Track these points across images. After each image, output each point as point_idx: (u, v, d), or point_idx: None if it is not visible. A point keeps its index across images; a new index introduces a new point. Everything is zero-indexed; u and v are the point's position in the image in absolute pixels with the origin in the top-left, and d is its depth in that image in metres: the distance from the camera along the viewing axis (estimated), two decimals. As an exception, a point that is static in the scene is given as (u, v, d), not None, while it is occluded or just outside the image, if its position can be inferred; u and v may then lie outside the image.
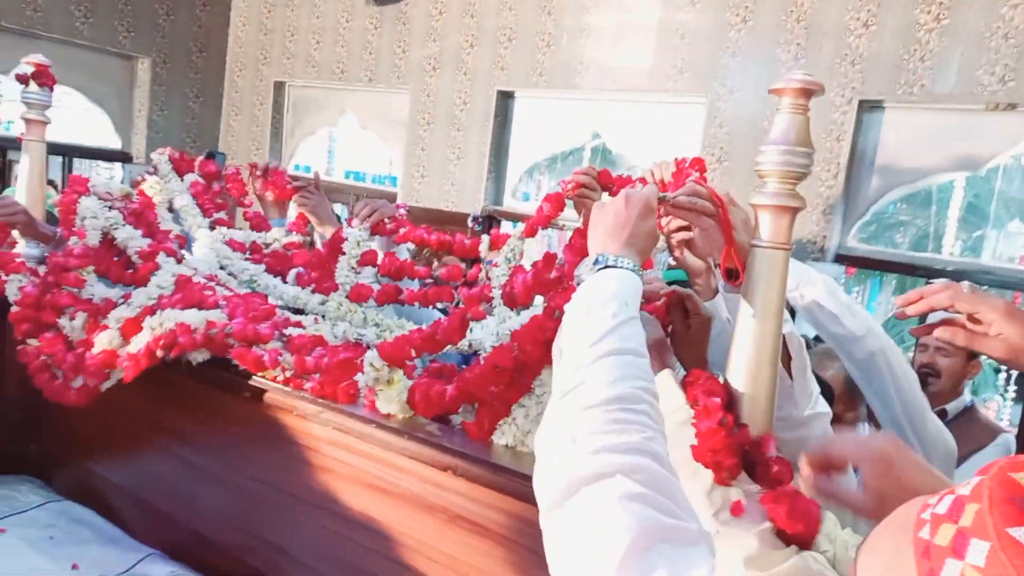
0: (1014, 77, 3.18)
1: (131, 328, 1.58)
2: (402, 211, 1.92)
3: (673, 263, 1.38)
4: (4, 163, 5.45)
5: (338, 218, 2.12)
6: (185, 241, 1.93)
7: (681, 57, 4.07)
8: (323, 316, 1.71)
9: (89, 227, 1.78)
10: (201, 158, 2.22)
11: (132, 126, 5.73)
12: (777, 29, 3.76)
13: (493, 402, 1.22)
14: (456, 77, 4.90)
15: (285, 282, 1.85)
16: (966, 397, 2.29)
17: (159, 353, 1.51)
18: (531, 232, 1.61)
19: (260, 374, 1.46)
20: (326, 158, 6.12)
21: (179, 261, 1.78)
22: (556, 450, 0.73)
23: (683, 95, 4.13)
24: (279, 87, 5.88)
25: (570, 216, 1.61)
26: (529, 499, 0.78)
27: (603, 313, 0.83)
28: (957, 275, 3.44)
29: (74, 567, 1.51)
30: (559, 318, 0.94)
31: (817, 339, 2.17)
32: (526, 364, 1.20)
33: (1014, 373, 4.51)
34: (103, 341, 1.58)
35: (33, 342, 1.69)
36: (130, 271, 1.77)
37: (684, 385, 1.00)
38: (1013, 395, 4.89)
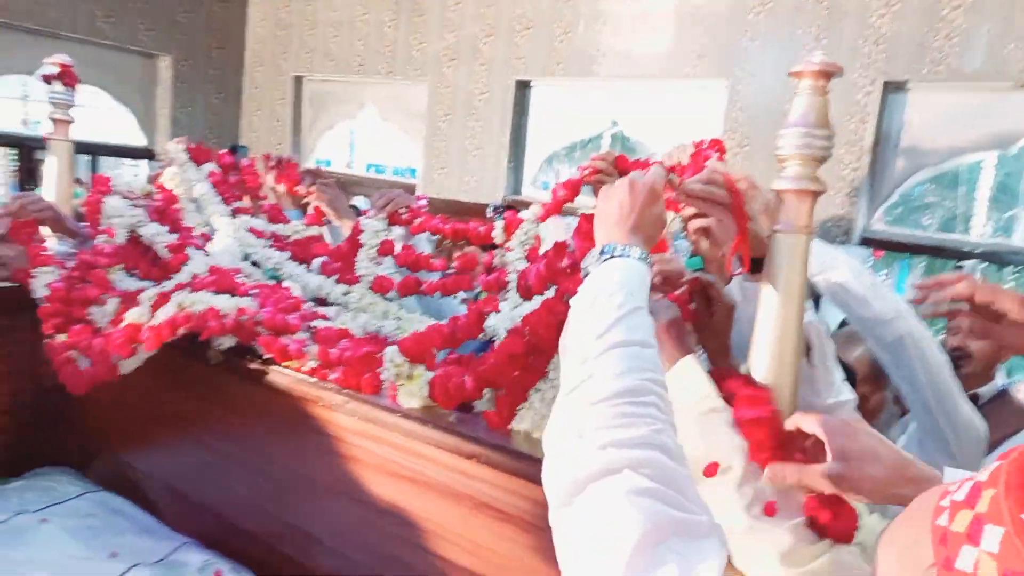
0: (1044, 53, 3.11)
1: (162, 303, 1.60)
2: (422, 203, 1.93)
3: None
4: (33, 163, 5.55)
5: (357, 211, 2.13)
6: (208, 238, 1.96)
7: (700, 42, 4.02)
8: (345, 307, 1.73)
9: (116, 226, 1.82)
10: (224, 152, 2.24)
11: (155, 123, 5.80)
12: (797, 11, 3.70)
13: (512, 389, 1.23)
14: (473, 67, 4.90)
15: (309, 271, 1.87)
16: (999, 381, 2.25)
17: (181, 331, 1.52)
18: (546, 216, 1.60)
19: (286, 365, 1.49)
20: (347, 152, 6.15)
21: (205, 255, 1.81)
22: (564, 446, 0.73)
23: (702, 80, 4.08)
24: (298, 81, 5.91)
25: (589, 203, 1.61)
26: (553, 486, 0.79)
27: (608, 304, 0.82)
28: (987, 256, 3.38)
29: (113, 555, 1.56)
30: (569, 301, 0.93)
31: (843, 324, 2.14)
32: (539, 348, 1.20)
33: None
34: (132, 316, 1.59)
35: (62, 337, 1.73)
36: (156, 268, 1.81)
37: (713, 378, 0.99)
38: (1048, 378, 4.78)
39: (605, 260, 0.89)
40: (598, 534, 0.63)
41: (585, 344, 0.80)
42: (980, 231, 4.29)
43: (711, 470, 0.87)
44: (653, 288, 1.27)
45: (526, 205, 1.74)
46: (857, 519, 0.85)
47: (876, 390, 1.85)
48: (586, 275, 0.91)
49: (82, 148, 4.95)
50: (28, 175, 5.30)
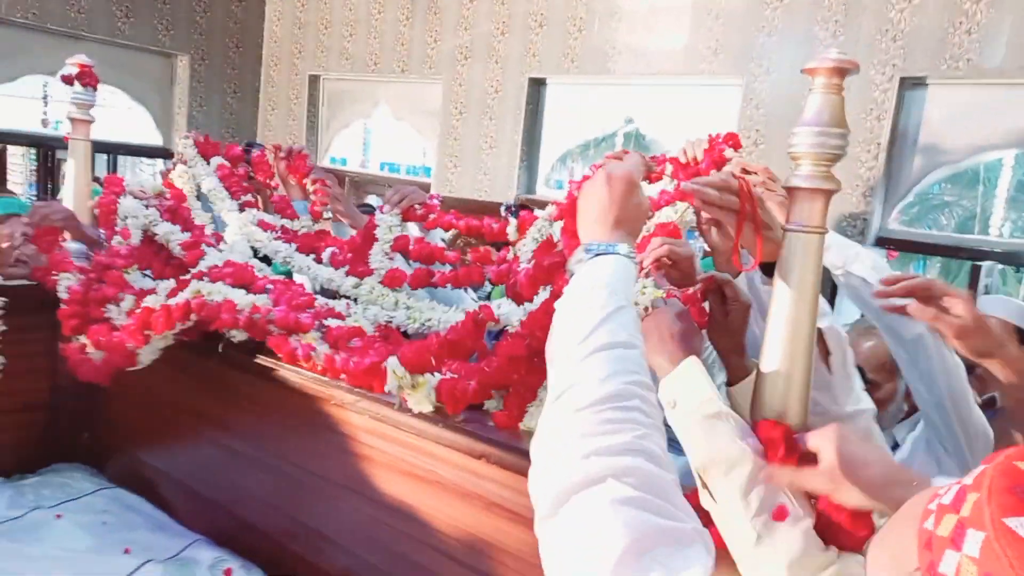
0: (1067, 48, 3.06)
1: (180, 289, 1.61)
2: (435, 201, 1.93)
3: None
4: (52, 162, 5.62)
5: (371, 209, 2.14)
6: (220, 238, 1.97)
7: (716, 38, 3.99)
8: (355, 300, 1.74)
9: (131, 226, 1.83)
10: (232, 143, 2.27)
11: (173, 123, 5.85)
12: (814, 6, 3.66)
13: (519, 389, 1.23)
14: (488, 65, 4.89)
15: (319, 262, 1.88)
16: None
17: (193, 318, 1.53)
18: (561, 216, 1.60)
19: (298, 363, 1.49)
20: (361, 150, 6.17)
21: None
22: (550, 456, 0.72)
23: (718, 77, 4.05)
24: (314, 81, 5.94)
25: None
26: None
27: (591, 306, 0.80)
28: (1005, 257, 3.33)
29: (126, 551, 1.57)
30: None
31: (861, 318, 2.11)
32: (540, 349, 1.19)
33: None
34: (149, 303, 1.60)
35: (81, 339, 1.74)
36: (169, 267, 1.83)
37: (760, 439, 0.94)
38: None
39: (589, 259, 0.86)
40: (582, 546, 0.63)
41: (569, 349, 0.79)
42: (998, 231, 4.22)
43: (780, 514, 0.84)
44: (666, 276, 1.26)
45: (540, 204, 1.73)
46: (874, 524, 0.84)
47: (889, 379, 1.82)
48: (571, 276, 0.88)
49: (100, 147, 5.00)
50: (47, 174, 5.36)
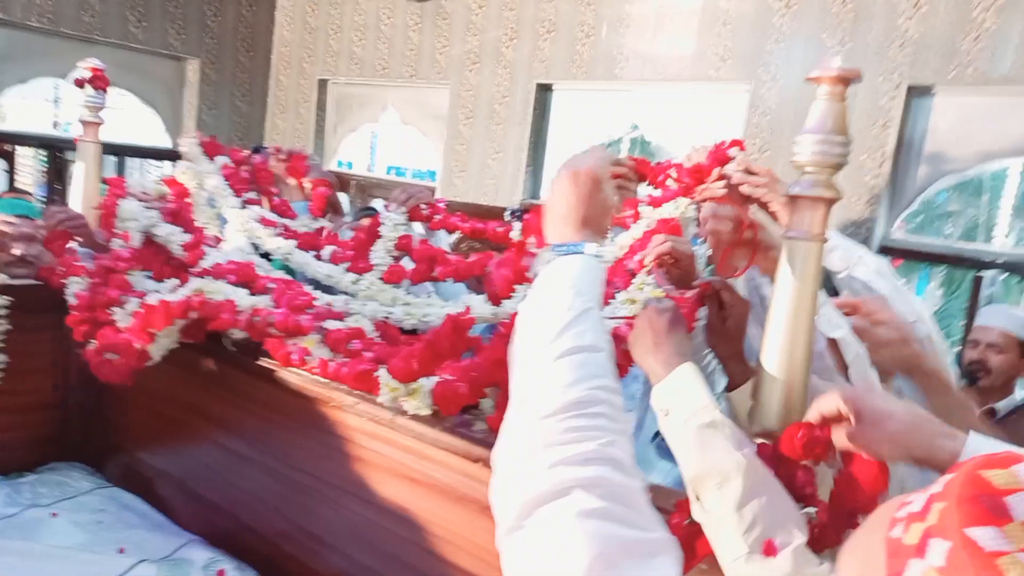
0: (1077, 57, 3.03)
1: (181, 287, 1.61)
2: (440, 206, 1.94)
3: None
4: (62, 163, 5.66)
5: (373, 212, 2.15)
6: (220, 242, 1.98)
7: (724, 44, 3.99)
8: (353, 296, 1.74)
9: (131, 229, 1.84)
10: (236, 148, 2.28)
11: (182, 126, 5.89)
12: (823, 13, 3.65)
13: (509, 390, 1.23)
14: (496, 71, 4.90)
15: (319, 259, 1.89)
16: (1018, 395, 2.20)
17: (193, 315, 1.53)
18: None
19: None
20: (368, 154, 6.19)
21: (219, 255, 1.83)
22: (514, 465, 0.70)
23: (726, 83, 4.04)
24: (322, 85, 5.96)
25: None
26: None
27: (556, 309, 0.78)
28: (1009, 267, 3.30)
29: (120, 551, 1.57)
30: None
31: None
32: None
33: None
34: (152, 301, 1.60)
35: (93, 344, 1.74)
36: (168, 268, 1.83)
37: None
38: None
39: (556, 258, 0.84)
40: (548, 559, 0.61)
41: (533, 353, 0.76)
42: (1002, 240, 4.19)
43: (769, 550, 0.82)
44: (667, 274, 1.25)
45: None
46: (888, 482, 0.85)
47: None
48: (535, 277, 0.86)
49: (109, 149, 5.03)
50: (57, 176, 5.40)
